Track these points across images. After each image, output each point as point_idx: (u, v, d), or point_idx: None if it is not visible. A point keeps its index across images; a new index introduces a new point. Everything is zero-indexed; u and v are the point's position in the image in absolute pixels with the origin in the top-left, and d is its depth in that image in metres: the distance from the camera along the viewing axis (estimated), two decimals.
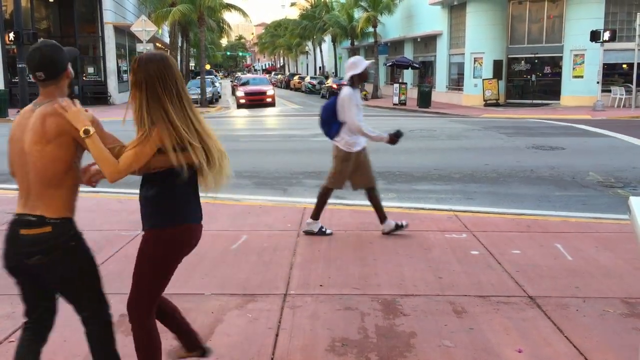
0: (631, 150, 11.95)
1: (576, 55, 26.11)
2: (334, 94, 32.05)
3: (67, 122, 2.56)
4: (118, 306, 4.15)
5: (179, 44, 41.53)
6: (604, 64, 23.44)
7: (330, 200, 7.74)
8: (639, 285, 4.55)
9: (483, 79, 28.04)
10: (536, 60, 27.88)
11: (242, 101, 31.66)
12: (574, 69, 26.31)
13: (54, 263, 2.59)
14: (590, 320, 3.90)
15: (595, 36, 22.71)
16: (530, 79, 28.18)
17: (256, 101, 31.42)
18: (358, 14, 39.34)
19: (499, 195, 8.11)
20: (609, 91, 24.57)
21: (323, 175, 9.58)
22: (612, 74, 25.62)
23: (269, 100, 31.67)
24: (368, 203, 7.59)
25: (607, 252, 5.39)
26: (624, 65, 25.60)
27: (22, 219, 2.57)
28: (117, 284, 4.63)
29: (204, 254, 5.35)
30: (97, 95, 30.19)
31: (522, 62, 28.51)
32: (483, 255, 5.31)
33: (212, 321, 3.98)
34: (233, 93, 41.26)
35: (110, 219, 6.69)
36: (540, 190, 8.37)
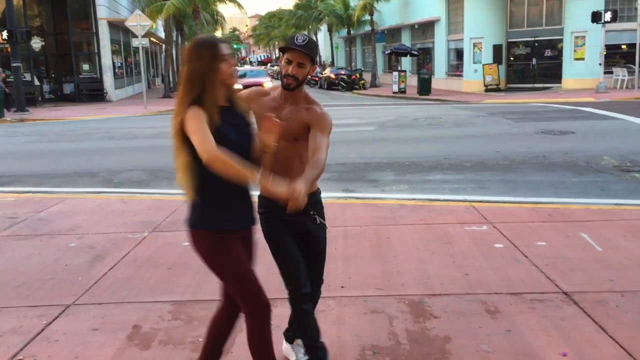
0: None
1: (577, 37, 25.80)
2: (332, 84, 32.12)
3: None
4: (126, 317, 3.94)
5: (174, 38, 41.15)
6: (605, 45, 23.14)
7: (341, 194, 7.54)
8: None
9: (483, 64, 27.74)
10: (536, 44, 27.56)
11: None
12: (575, 51, 26.01)
13: None
14: (633, 317, 3.68)
15: (596, 17, 22.39)
16: (530, 62, 27.88)
17: None
18: (354, 2, 38.95)
19: (514, 183, 7.88)
20: (611, 72, 24.29)
21: (331, 168, 9.36)
22: (614, 55, 25.33)
23: None
24: (381, 196, 7.39)
25: (637, 240, 5.16)
26: (623, 46, 25.31)
27: None
28: (125, 291, 4.41)
29: None
30: (92, 93, 29.85)
31: (522, 45, 28.19)
32: (508, 248, 5.07)
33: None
34: None
35: (115, 220, 6.45)
36: (555, 176, 8.14)
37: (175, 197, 7.53)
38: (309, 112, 2.90)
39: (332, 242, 5.40)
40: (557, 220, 5.87)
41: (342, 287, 4.36)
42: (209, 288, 4.39)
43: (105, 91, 30.33)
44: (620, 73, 24.13)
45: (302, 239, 3.05)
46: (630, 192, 7.14)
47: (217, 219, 2.65)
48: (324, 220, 3.06)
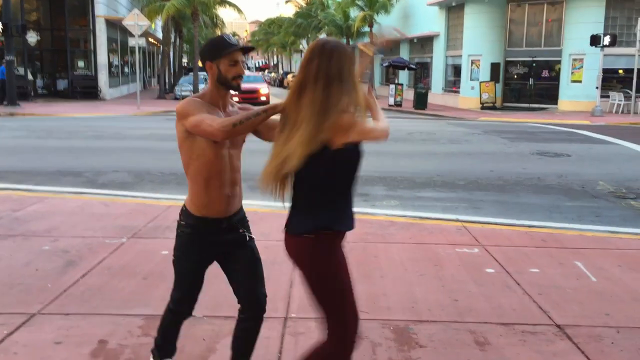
0: (639, 159, 11.58)
1: (575, 60, 25.81)
2: None
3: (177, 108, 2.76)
4: (93, 330, 3.69)
5: (172, 40, 40.96)
6: (603, 69, 23.13)
7: None
8: None
9: (480, 82, 27.69)
10: (534, 64, 27.55)
11: (235, 99, 30.63)
12: (572, 73, 26.01)
13: None
14: (629, 356, 3.48)
15: (595, 41, 22.39)
16: (527, 82, 27.86)
17: (249, 99, 30.44)
18: (354, 13, 38.90)
19: (507, 204, 7.70)
20: (607, 97, 24.29)
21: None
22: (610, 79, 25.35)
23: (262, 98, 30.50)
24: (371, 211, 7.18)
25: (633, 272, 4.98)
26: (620, 71, 25.34)
27: None
28: (95, 301, 4.17)
29: None
30: (87, 90, 29.55)
31: (520, 65, 28.18)
32: (499, 274, 4.88)
33: (204, 350, 3.53)
34: None
35: (94, 224, 6.20)
36: (549, 199, 7.97)
37: (160, 202, 7.30)
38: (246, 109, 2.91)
39: None
40: (551, 247, 5.68)
41: None
42: None
43: (99, 89, 30.04)
44: (616, 97, 24.12)
45: (232, 257, 2.93)
46: (625, 220, 6.97)
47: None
48: (251, 234, 2.99)
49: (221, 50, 2.67)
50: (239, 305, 2.94)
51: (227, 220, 2.84)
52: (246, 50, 2.80)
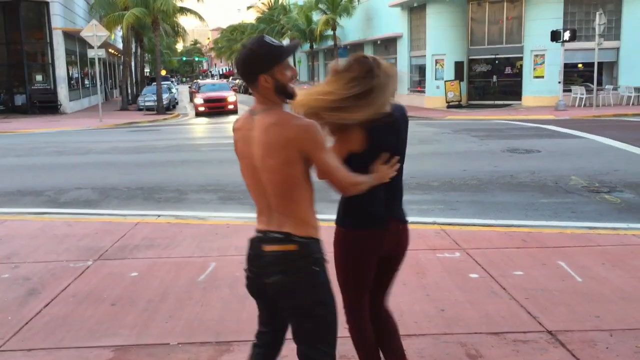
0: (607, 152, 11.67)
1: (536, 56, 26.13)
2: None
3: (294, 132, 2.27)
4: None
5: (133, 50, 40.25)
6: (564, 64, 23.46)
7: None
8: None
9: (445, 81, 27.84)
10: (497, 61, 27.83)
11: (201, 109, 28.99)
12: (534, 69, 26.33)
13: (292, 286, 2.36)
14: None
15: (555, 36, 22.68)
16: (491, 80, 28.12)
17: (216, 108, 28.94)
18: (317, 17, 38.83)
19: (483, 204, 7.61)
20: (569, 91, 24.64)
21: None
22: (571, 74, 25.75)
23: (230, 107, 29.29)
24: None
25: (617, 270, 4.90)
26: (580, 65, 25.78)
27: (267, 235, 2.40)
28: (60, 333, 3.87)
29: (166, 288, 4.65)
30: (46, 104, 28.72)
31: (483, 63, 28.43)
32: (484, 279, 4.74)
33: None
34: (191, 100, 39.04)
35: (56, 247, 5.87)
36: (524, 197, 7.91)
37: (127, 219, 7.00)
38: None
39: None
40: (532, 247, 5.58)
41: None
42: (157, 329, 3.91)
43: (59, 103, 29.26)
44: (578, 91, 24.49)
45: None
46: (601, 215, 6.94)
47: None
48: None
49: (279, 56, 2.31)
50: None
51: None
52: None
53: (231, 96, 30.12)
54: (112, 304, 4.36)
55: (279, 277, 2.35)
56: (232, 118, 26.61)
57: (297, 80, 47.05)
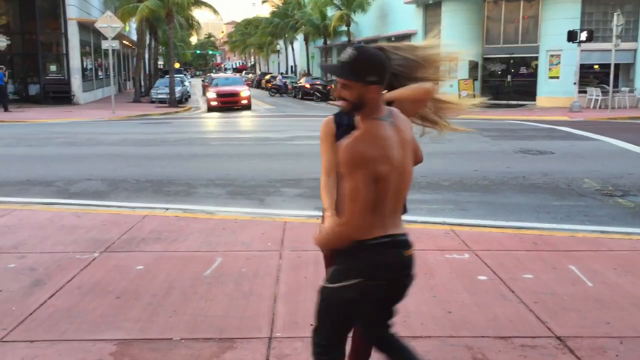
0: (622, 155, 11.52)
1: (552, 56, 25.90)
2: (307, 94, 31.66)
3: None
4: (60, 359, 3.38)
5: (147, 42, 40.35)
6: (580, 65, 23.22)
7: (313, 213, 7.08)
8: None
9: (459, 79, 27.62)
10: (511, 61, 27.63)
11: (214, 103, 27.88)
12: (549, 69, 26.10)
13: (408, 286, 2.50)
14: None
15: (572, 36, 22.45)
16: (505, 79, 27.91)
17: (229, 103, 27.94)
18: (331, 12, 38.72)
19: (494, 205, 7.52)
20: (585, 92, 24.39)
21: (303, 184, 8.91)
22: (587, 75, 25.48)
23: (244, 102, 28.36)
24: None
25: (629, 275, 4.81)
26: (596, 66, 25.49)
27: (403, 239, 2.43)
28: (64, 325, 3.86)
29: (172, 282, 4.62)
30: (59, 95, 28.87)
31: (498, 62, 28.22)
32: (492, 281, 4.67)
33: None
34: (204, 93, 38.25)
35: (64, 237, 5.87)
36: (536, 199, 7.81)
37: (135, 212, 6.99)
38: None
39: (302, 269, 4.95)
40: (543, 250, 5.49)
41: (312, 325, 3.86)
42: (160, 323, 3.88)
43: (72, 94, 29.40)
44: (594, 93, 24.23)
45: None
46: (614, 219, 6.83)
47: None
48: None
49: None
50: None
51: None
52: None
53: (245, 91, 29.19)
54: (117, 297, 4.34)
55: (411, 276, 2.47)
56: (242, 111, 26.57)
57: (311, 75, 46.77)
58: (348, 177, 2.23)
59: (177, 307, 4.14)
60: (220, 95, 28.19)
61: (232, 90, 28.78)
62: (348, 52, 2.31)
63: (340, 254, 2.42)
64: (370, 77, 2.27)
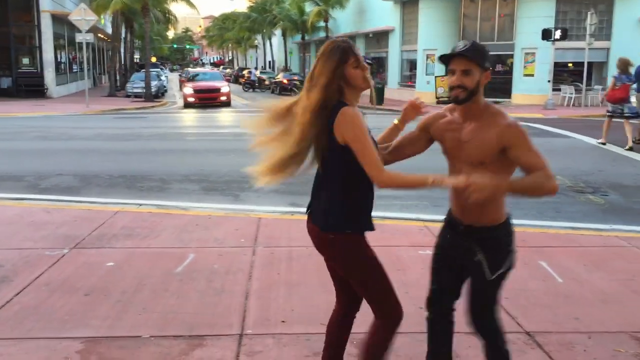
0: (593, 152, 11.70)
1: (527, 54, 26.17)
2: (285, 89, 31.51)
3: None
4: (26, 357, 3.32)
5: (123, 35, 39.85)
6: (554, 63, 23.51)
7: (288, 209, 7.06)
8: None
9: (435, 76, 27.81)
10: None
11: (191, 99, 26.36)
12: (524, 67, 26.37)
13: None
14: None
15: (546, 35, 22.71)
16: None
17: (208, 100, 26.46)
18: (309, 8, 38.62)
19: None
20: (559, 90, 24.71)
21: None
22: (561, 73, 25.81)
23: (223, 98, 26.79)
24: None
25: (599, 271, 4.87)
26: (570, 64, 25.84)
27: None
28: (30, 323, 3.78)
29: (142, 279, 4.56)
30: (32, 88, 28.35)
31: None
32: None
33: None
34: (181, 88, 37.17)
35: (33, 234, 5.76)
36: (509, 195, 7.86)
37: (107, 208, 6.89)
38: (497, 127, 2.53)
39: (275, 265, 4.93)
40: None
41: (283, 321, 3.86)
42: (130, 321, 3.82)
43: (45, 87, 28.90)
44: (567, 90, 24.56)
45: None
46: (585, 216, 6.92)
47: (367, 221, 2.58)
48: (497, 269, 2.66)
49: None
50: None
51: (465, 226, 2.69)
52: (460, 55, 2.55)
53: (224, 87, 27.73)
54: (86, 294, 4.27)
55: None
56: (222, 109, 26.25)
57: (289, 71, 46.66)
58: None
59: (147, 305, 4.08)
60: (198, 91, 26.79)
61: (210, 85, 27.45)
62: (463, 42, 2.52)
63: (503, 233, 2.64)
64: (488, 63, 2.53)
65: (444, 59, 2.56)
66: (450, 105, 2.72)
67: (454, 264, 2.77)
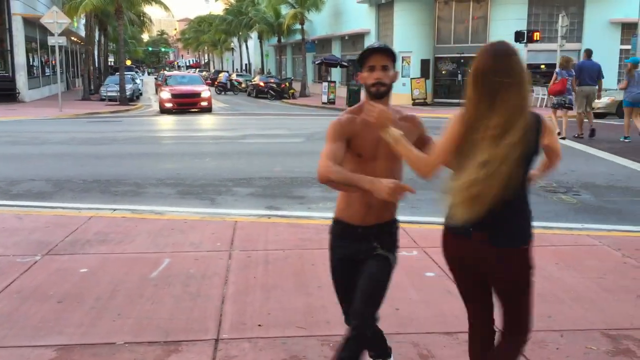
0: (565, 152, 11.72)
1: None
2: (261, 92, 31.42)
3: None
4: None
5: (96, 38, 39.40)
6: (527, 65, 23.84)
7: (264, 212, 7.05)
8: (614, 312, 4.10)
9: (411, 78, 28.02)
10: (462, 60, 28.12)
11: (168, 105, 24.06)
12: None
13: None
14: None
15: (519, 37, 23.04)
16: (456, 78, 28.42)
17: (186, 105, 24.44)
18: (285, 10, 38.62)
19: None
20: (532, 91, 25.03)
21: (255, 182, 8.85)
22: (534, 74, 26.19)
23: (203, 103, 24.62)
24: (307, 214, 6.93)
25: (570, 270, 4.96)
26: (542, 66, 26.24)
27: None
28: (2, 331, 3.71)
29: (117, 285, 4.52)
30: (3, 92, 27.84)
31: (449, 61, 28.71)
32: (439, 277, 4.74)
33: None
34: (157, 92, 35.63)
35: (4, 240, 5.66)
36: None
37: (81, 213, 6.80)
38: (408, 121, 2.76)
39: (251, 269, 4.92)
40: None
41: (260, 325, 3.85)
42: (104, 328, 3.78)
43: (17, 91, 28.41)
44: (540, 92, 24.93)
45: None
46: (557, 215, 7.03)
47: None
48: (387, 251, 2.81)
49: (361, 58, 2.61)
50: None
51: (363, 228, 2.73)
52: (383, 51, 2.63)
53: (205, 91, 25.37)
54: (59, 301, 4.21)
55: None
56: (205, 117, 23.45)
57: (268, 74, 46.55)
58: None
59: (122, 311, 4.04)
60: (176, 95, 24.46)
61: (190, 90, 25.13)
62: (378, 42, 2.73)
63: (395, 227, 2.98)
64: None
65: (366, 54, 2.61)
66: (352, 107, 2.75)
67: (357, 271, 2.75)
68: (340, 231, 2.79)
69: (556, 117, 13.83)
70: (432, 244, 5.61)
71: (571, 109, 13.77)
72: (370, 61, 2.59)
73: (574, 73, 13.61)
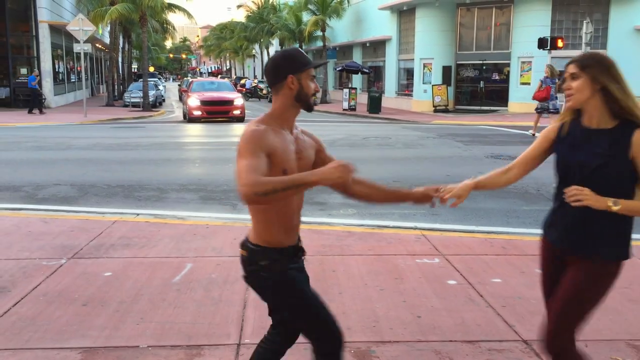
0: None
1: (523, 62, 26.30)
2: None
3: None
4: None
5: (121, 45, 39.97)
6: None
7: None
8: (639, 322, 4.04)
9: (432, 85, 27.92)
10: (484, 67, 27.97)
11: (197, 112, 22.02)
12: (521, 75, 26.49)
13: (253, 287, 2.57)
14: None
15: (542, 43, 22.81)
16: (478, 85, 28.25)
17: (217, 113, 22.31)
18: (306, 17, 38.79)
19: (465, 210, 7.58)
20: (555, 98, 24.77)
21: None
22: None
23: (236, 112, 22.44)
24: (328, 221, 6.94)
25: None
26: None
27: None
28: (27, 334, 3.78)
29: (140, 289, 4.56)
30: (30, 98, 28.33)
31: (470, 68, 28.56)
32: (462, 285, 4.71)
33: None
34: (180, 99, 34.77)
35: (30, 244, 5.76)
36: (506, 204, 7.91)
37: (105, 217, 6.90)
38: (308, 134, 2.66)
39: None
40: (511, 254, 5.56)
41: None
42: (127, 331, 3.83)
43: (43, 97, 28.90)
44: (563, 99, 24.65)
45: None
46: None
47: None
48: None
49: (305, 63, 2.41)
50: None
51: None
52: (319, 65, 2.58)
53: (238, 99, 23.11)
54: (83, 304, 4.27)
55: (244, 277, 2.56)
56: (237, 126, 21.73)
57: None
58: None
59: (145, 314, 4.08)
60: (206, 102, 22.28)
61: (221, 97, 22.91)
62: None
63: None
64: None
65: (310, 65, 2.43)
66: (262, 117, 2.46)
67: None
68: (284, 255, 2.50)
69: (538, 120, 15.26)
70: (454, 251, 5.58)
71: (557, 113, 14.58)
72: (312, 71, 2.44)
73: (557, 80, 14.68)
